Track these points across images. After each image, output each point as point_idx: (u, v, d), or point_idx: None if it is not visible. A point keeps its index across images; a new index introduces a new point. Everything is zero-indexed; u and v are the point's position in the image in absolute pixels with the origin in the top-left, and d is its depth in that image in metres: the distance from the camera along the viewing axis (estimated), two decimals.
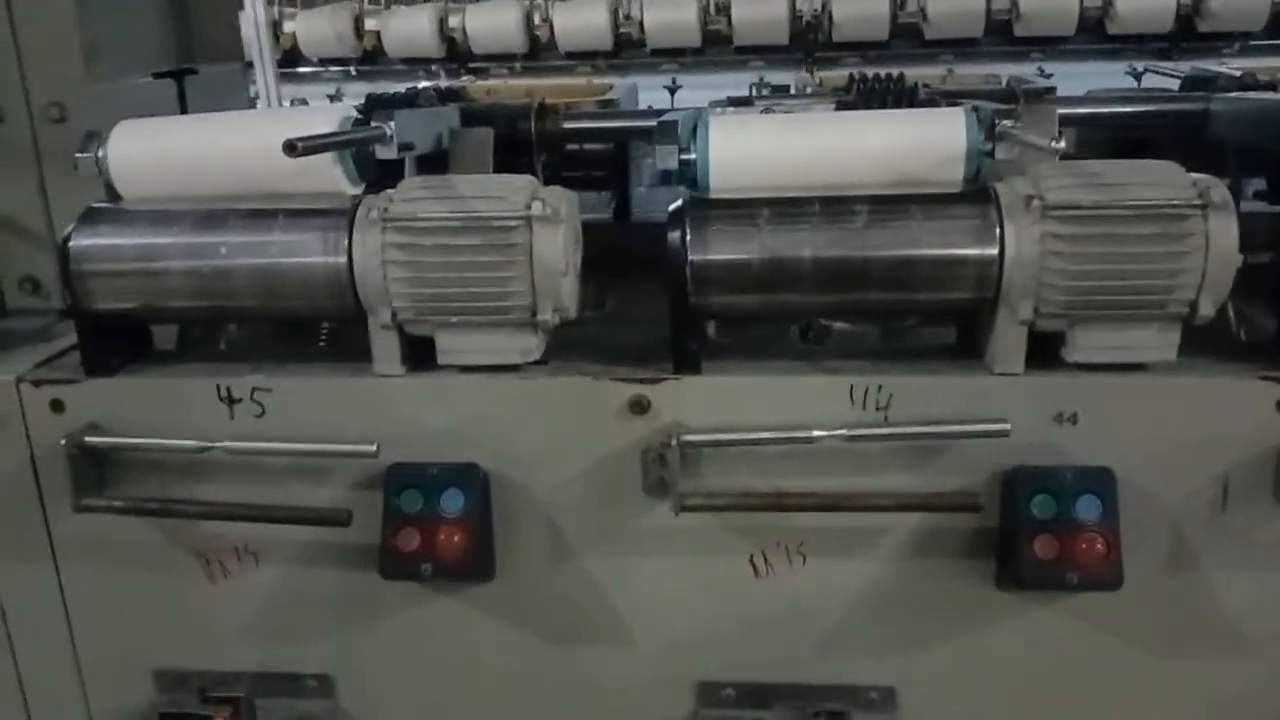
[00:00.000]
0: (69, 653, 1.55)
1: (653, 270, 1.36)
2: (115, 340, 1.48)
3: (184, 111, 1.91)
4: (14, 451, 1.45)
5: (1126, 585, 1.28)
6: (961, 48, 5.01)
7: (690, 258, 1.31)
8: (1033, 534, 1.28)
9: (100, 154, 1.45)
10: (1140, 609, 1.36)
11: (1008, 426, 1.27)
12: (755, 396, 1.35)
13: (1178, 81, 2.49)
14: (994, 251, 1.27)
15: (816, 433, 1.31)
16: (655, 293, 1.41)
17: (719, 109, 1.95)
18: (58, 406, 1.43)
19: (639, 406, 1.35)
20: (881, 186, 1.34)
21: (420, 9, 5.38)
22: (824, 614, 1.42)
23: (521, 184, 1.36)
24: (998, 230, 1.27)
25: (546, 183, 1.40)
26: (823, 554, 1.39)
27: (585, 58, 5.35)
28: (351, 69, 5.65)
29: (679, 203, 1.35)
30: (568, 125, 1.91)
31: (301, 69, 5.65)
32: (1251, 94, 1.93)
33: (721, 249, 1.32)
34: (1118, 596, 1.30)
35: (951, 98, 1.88)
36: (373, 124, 1.42)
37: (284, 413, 1.40)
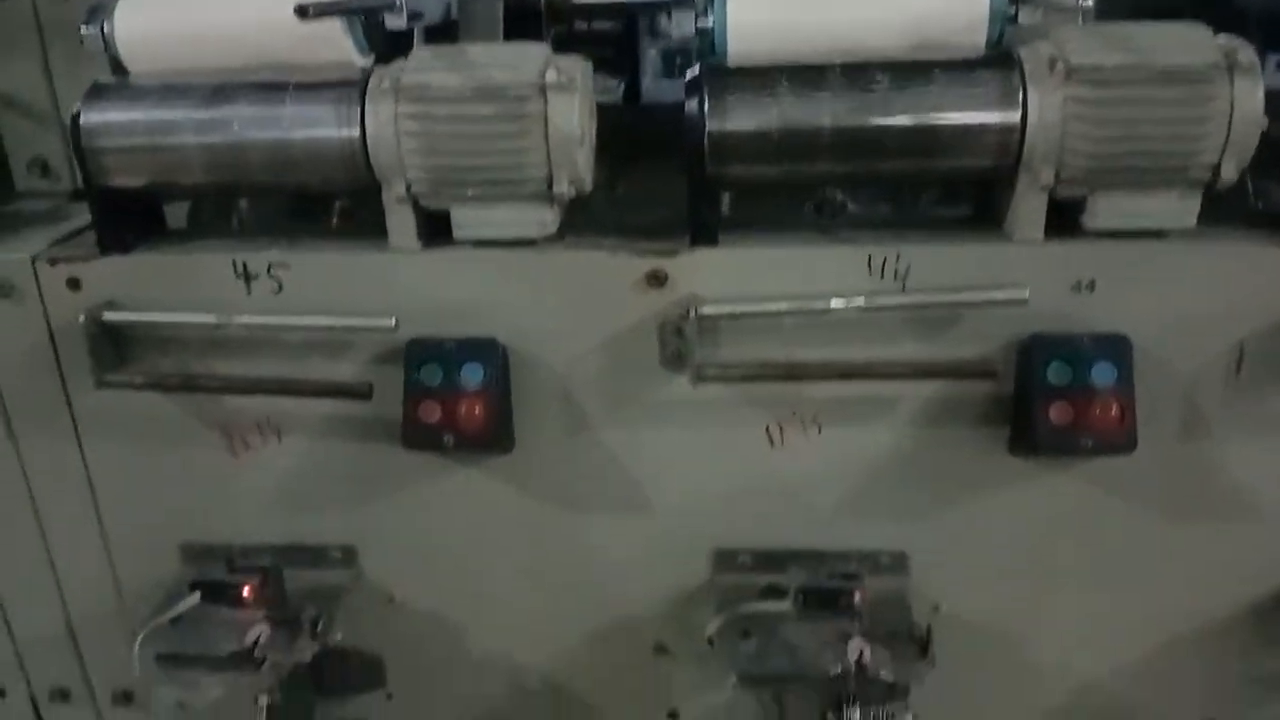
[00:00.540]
0: (95, 528, 1.58)
1: (664, 154, 1.34)
2: (129, 218, 1.47)
3: None
4: (33, 330, 1.46)
5: (1139, 451, 1.30)
6: None
7: (709, 127, 1.30)
8: (1048, 400, 1.29)
9: (105, 28, 1.42)
10: (1152, 475, 1.38)
11: (1026, 293, 1.27)
12: (773, 268, 1.34)
13: None
14: (1016, 116, 1.25)
15: (835, 303, 1.31)
16: (667, 176, 1.40)
17: None
18: (74, 284, 1.43)
19: (656, 279, 1.35)
20: (903, 51, 1.31)
21: None
22: (838, 482, 1.44)
23: (536, 52, 1.33)
24: (1021, 94, 1.25)
25: None
26: (838, 423, 1.41)
27: None
28: None
29: (696, 71, 1.33)
30: None
31: None
32: None
33: (740, 118, 1.30)
34: (1130, 462, 1.32)
35: None
36: None
37: (301, 288, 1.40)
